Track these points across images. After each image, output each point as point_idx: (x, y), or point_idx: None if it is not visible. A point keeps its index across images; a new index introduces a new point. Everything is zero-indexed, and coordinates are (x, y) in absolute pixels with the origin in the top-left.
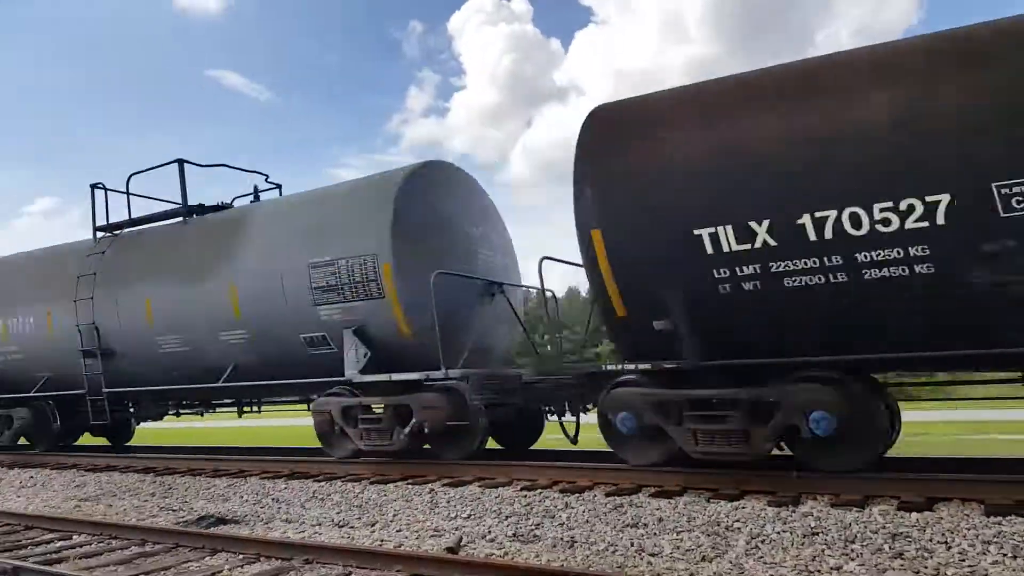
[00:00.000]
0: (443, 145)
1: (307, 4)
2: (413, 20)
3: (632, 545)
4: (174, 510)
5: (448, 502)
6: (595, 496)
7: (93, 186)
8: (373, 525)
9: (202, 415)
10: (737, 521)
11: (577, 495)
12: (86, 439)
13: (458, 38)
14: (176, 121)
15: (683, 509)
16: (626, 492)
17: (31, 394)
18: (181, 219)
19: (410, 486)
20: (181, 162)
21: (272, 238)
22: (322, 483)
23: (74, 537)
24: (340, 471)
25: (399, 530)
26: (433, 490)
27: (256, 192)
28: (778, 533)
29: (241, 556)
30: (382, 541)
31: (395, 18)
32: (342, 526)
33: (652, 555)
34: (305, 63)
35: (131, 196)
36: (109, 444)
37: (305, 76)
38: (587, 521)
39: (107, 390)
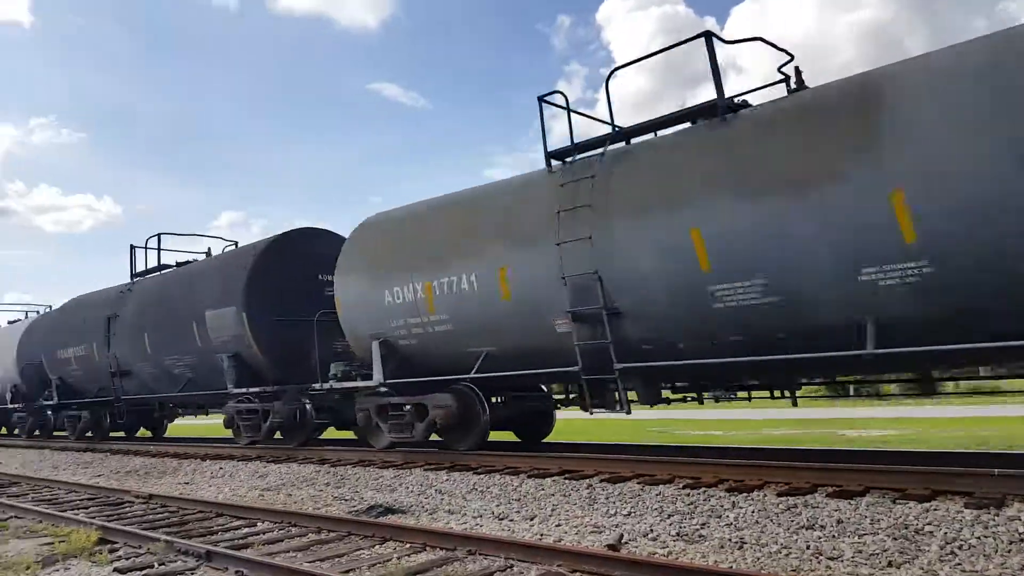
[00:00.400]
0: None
1: (458, 10)
2: (561, 15)
3: (808, 548)
4: (346, 499)
5: (607, 498)
6: (765, 496)
7: (541, 99)
8: (532, 519)
9: (717, 401)
10: (929, 524)
11: (745, 494)
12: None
13: (607, 27)
14: (343, 133)
15: (865, 511)
16: (800, 492)
17: (471, 375)
18: (701, 122)
19: (567, 481)
20: (708, 35)
21: (985, 100)
22: (482, 476)
23: (258, 524)
24: (499, 464)
25: (558, 524)
26: (591, 486)
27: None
28: (978, 538)
29: (408, 545)
30: (541, 535)
31: (543, 15)
32: (502, 519)
33: (831, 559)
34: (457, 68)
35: (573, 115)
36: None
37: (457, 81)
38: (757, 522)
39: (620, 366)
